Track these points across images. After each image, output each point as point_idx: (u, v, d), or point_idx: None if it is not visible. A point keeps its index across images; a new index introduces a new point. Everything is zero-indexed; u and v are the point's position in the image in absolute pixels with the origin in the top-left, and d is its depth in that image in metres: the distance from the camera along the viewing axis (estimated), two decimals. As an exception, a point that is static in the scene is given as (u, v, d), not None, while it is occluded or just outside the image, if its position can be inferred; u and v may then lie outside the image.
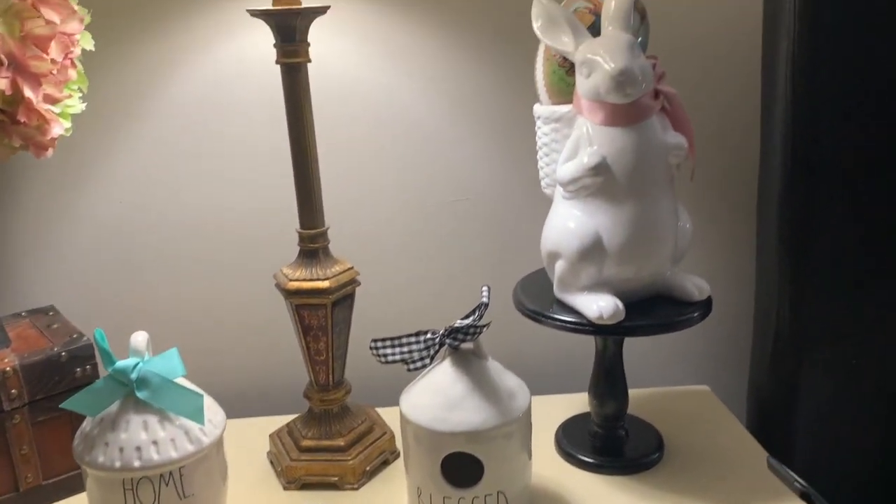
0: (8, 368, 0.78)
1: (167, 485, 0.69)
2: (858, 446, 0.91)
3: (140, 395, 0.68)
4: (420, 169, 1.00)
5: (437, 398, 0.72)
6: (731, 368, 1.10)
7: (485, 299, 0.73)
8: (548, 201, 0.84)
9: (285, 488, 0.84)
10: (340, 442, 0.84)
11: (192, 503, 0.70)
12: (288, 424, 0.89)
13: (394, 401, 0.93)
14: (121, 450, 0.67)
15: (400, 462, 0.85)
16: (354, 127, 0.98)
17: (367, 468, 0.85)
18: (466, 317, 0.73)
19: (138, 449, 0.67)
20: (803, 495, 0.73)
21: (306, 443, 0.85)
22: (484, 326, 0.72)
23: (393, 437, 0.88)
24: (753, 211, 0.98)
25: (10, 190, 0.96)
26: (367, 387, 0.96)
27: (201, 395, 0.70)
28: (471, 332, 0.72)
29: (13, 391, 0.78)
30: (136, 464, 0.67)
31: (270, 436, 0.89)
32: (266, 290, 0.88)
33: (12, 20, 0.68)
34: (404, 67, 0.97)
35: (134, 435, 0.68)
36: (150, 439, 0.68)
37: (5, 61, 0.67)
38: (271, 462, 0.88)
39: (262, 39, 0.91)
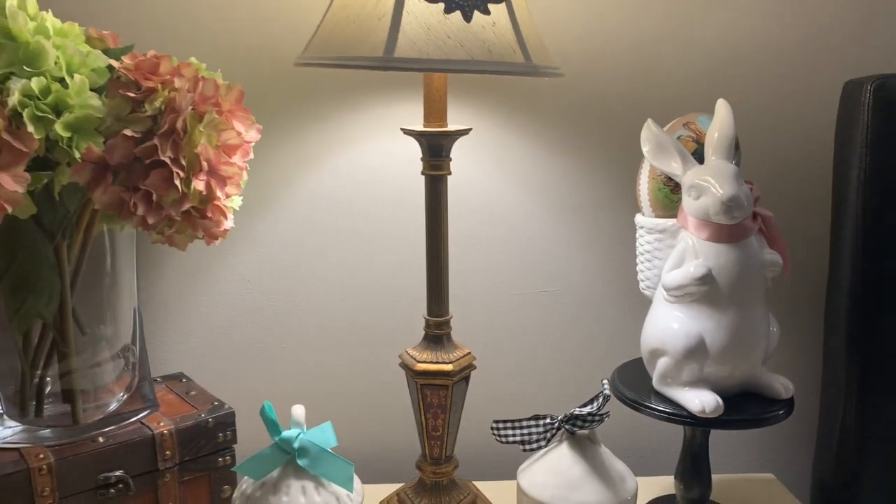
0: (165, 431, 0.87)
1: (320, 545, 0.77)
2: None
3: (301, 462, 0.77)
4: (523, 264, 1.11)
5: (556, 478, 0.80)
6: (795, 456, 1.18)
7: (606, 391, 0.82)
8: (640, 299, 0.95)
9: (399, 553, 0.92)
10: (450, 512, 0.93)
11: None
12: (398, 493, 0.98)
13: (485, 475, 1.02)
14: (282, 512, 0.76)
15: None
16: (473, 227, 1.09)
17: (473, 538, 0.93)
18: (585, 405, 0.82)
19: (298, 512, 0.76)
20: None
21: (419, 511, 0.93)
22: (605, 415, 0.81)
23: (493, 510, 0.97)
24: (822, 302, 1.06)
25: (152, 263, 1.06)
26: (467, 461, 1.05)
27: (351, 465, 0.79)
28: (590, 420, 0.81)
29: (167, 452, 0.87)
30: (297, 525, 0.75)
31: (381, 502, 0.97)
32: (384, 364, 0.97)
33: (211, 132, 0.79)
34: (519, 176, 1.09)
35: (294, 499, 0.76)
36: (307, 503, 0.76)
37: (206, 167, 0.78)
38: (384, 526, 0.96)
39: (399, 147, 1.04)
